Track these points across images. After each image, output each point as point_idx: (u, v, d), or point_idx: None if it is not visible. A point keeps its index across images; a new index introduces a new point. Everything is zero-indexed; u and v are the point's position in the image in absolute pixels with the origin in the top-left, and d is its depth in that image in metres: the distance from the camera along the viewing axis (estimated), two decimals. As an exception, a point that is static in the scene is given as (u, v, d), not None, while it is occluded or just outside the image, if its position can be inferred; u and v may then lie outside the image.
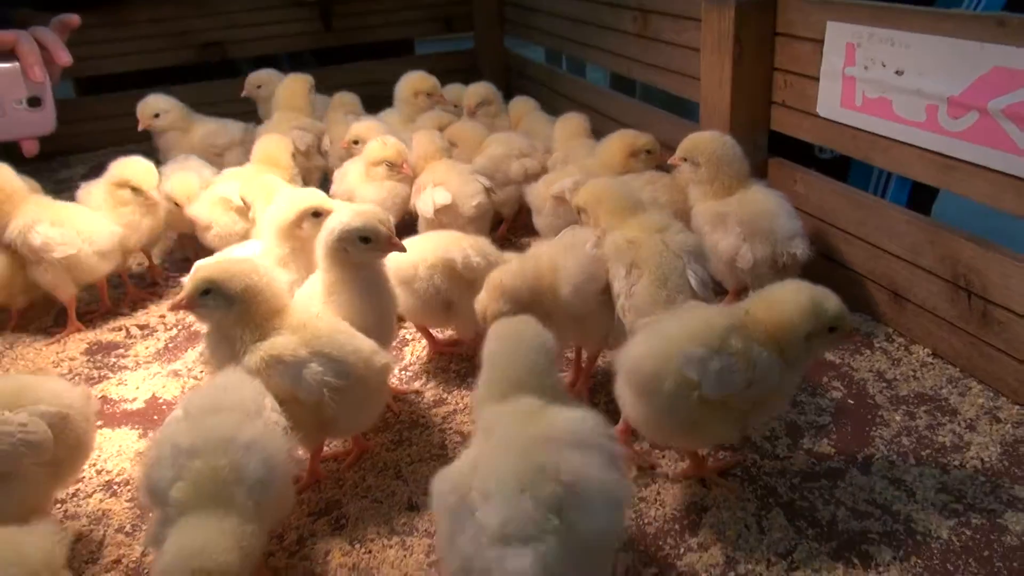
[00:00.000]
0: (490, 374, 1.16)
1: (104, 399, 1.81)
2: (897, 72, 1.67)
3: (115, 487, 1.53)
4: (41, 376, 1.35)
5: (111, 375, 1.91)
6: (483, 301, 1.51)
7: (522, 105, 2.91)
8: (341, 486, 1.49)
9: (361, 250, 1.55)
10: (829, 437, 1.54)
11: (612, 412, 1.64)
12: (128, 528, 1.42)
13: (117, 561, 1.35)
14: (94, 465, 1.58)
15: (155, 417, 1.74)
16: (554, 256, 1.59)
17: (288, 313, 1.42)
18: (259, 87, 3.03)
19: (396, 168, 2.32)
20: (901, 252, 1.79)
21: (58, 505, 1.48)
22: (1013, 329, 1.55)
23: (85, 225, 2.02)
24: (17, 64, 1.70)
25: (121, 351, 2.02)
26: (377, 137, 2.37)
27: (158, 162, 2.31)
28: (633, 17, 2.59)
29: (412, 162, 2.34)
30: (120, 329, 2.12)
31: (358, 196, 2.27)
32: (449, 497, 1.00)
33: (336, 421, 1.41)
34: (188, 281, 1.39)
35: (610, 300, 1.59)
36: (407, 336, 2.00)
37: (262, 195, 2.10)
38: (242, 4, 3.59)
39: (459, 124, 2.68)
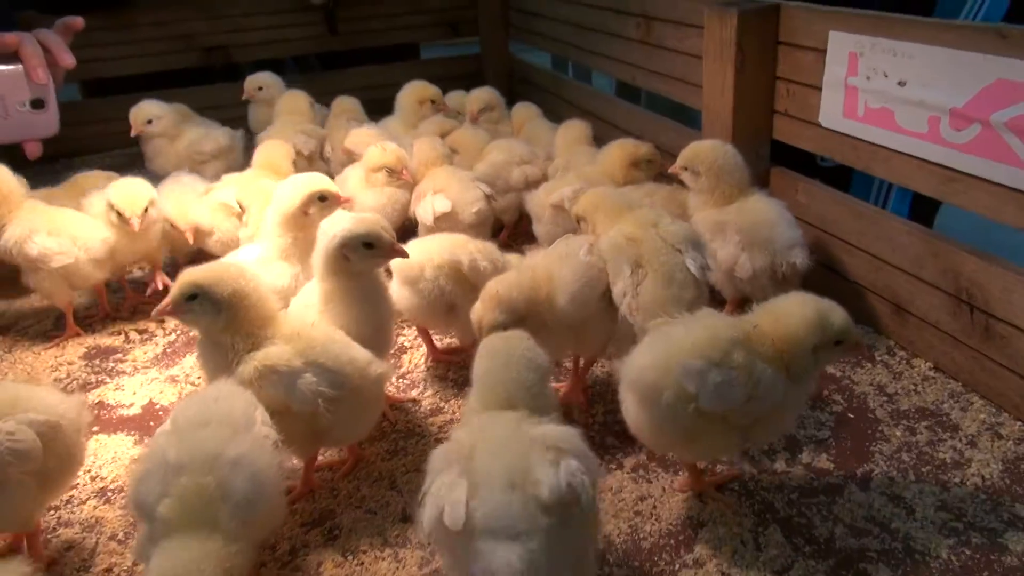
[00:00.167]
0: (480, 389, 1.15)
1: (101, 404, 1.81)
2: (900, 83, 1.65)
3: (109, 494, 1.52)
4: (34, 385, 1.33)
5: (109, 380, 1.91)
6: (479, 311, 1.50)
7: (524, 111, 2.90)
8: (335, 496, 1.48)
9: (363, 257, 1.54)
10: (828, 452, 1.53)
11: (609, 424, 1.63)
12: (121, 536, 1.41)
13: (108, 570, 1.34)
14: (88, 471, 1.58)
15: (151, 423, 1.74)
16: (549, 266, 1.58)
17: (281, 322, 1.41)
18: (260, 88, 3.03)
19: (396, 174, 2.31)
20: (903, 264, 1.77)
21: (51, 511, 1.47)
22: (1015, 344, 1.53)
23: (80, 231, 2.01)
24: (20, 66, 1.70)
25: (119, 355, 2.02)
26: (376, 143, 2.36)
27: (143, 169, 2.27)
28: (636, 23, 2.57)
29: (413, 169, 2.33)
30: (119, 333, 2.12)
31: (358, 202, 2.26)
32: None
33: (331, 431, 1.40)
34: (174, 286, 1.37)
35: (607, 308, 1.57)
36: (405, 343, 1.99)
37: (258, 200, 2.09)
38: (247, 8, 3.59)
39: (460, 131, 2.68)
